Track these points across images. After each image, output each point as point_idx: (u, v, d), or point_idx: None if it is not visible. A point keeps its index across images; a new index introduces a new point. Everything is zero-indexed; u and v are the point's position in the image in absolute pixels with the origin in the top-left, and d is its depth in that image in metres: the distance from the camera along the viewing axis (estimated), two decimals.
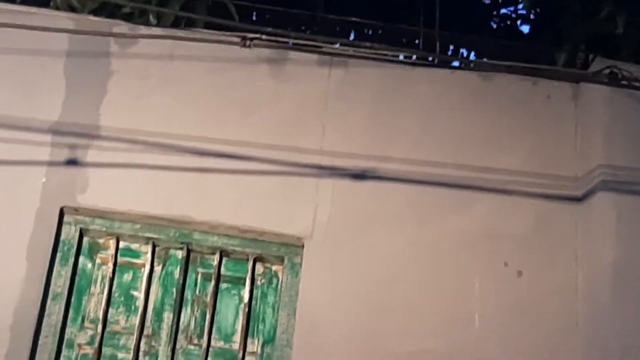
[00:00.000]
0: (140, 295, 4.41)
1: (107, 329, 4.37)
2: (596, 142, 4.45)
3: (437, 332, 4.31)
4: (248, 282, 4.45)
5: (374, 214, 4.46)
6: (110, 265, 4.43)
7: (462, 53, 6.18)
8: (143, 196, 4.38)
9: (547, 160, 4.61)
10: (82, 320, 4.36)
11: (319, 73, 4.65)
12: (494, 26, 6.38)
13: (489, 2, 6.44)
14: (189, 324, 4.39)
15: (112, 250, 4.42)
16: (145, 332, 4.37)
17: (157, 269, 4.47)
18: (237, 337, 4.40)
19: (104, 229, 4.43)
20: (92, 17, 4.75)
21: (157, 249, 4.46)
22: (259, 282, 4.48)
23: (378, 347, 4.28)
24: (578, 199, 4.50)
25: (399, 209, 4.48)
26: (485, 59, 5.56)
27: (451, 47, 6.08)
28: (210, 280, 4.44)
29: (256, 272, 4.49)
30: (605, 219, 4.27)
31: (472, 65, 5.07)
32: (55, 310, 4.29)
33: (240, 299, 4.44)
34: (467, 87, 4.72)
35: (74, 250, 4.39)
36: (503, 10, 6.39)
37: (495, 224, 4.48)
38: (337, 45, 4.82)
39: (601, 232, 4.27)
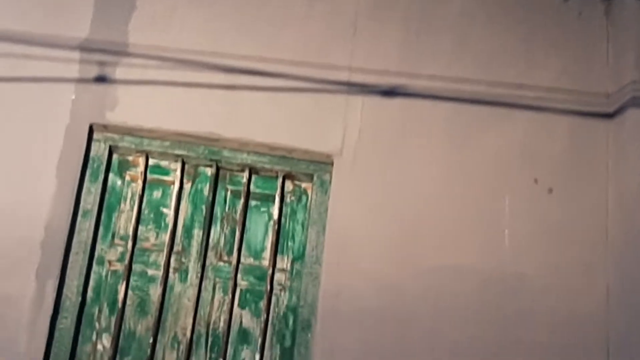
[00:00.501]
0: (169, 212, 4.40)
1: (137, 246, 4.37)
2: (628, 58, 4.40)
3: (468, 249, 4.31)
4: (277, 199, 4.44)
5: (404, 131, 4.44)
6: (140, 182, 4.43)
7: None
8: (172, 113, 4.37)
9: (580, 77, 4.58)
10: (112, 237, 4.36)
11: None
12: None
13: None
14: (218, 241, 4.39)
15: (141, 168, 4.42)
16: (175, 249, 4.36)
17: (187, 186, 4.46)
18: (267, 254, 4.39)
19: (133, 146, 4.42)
20: None
21: (186, 166, 4.45)
22: (288, 200, 4.47)
23: (408, 263, 4.28)
24: (610, 116, 4.46)
25: (430, 126, 4.45)
26: None
27: None
28: (240, 198, 4.43)
29: (285, 189, 4.48)
30: (636, 136, 4.23)
31: None
32: (85, 227, 4.28)
33: (270, 216, 4.43)
34: (499, 4, 4.65)
35: (103, 167, 4.38)
36: None
37: (526, 141, 4.46)
38: None
39: (633, 149, 4.24)
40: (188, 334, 4.24)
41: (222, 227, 4.41)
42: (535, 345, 4.21)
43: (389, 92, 4.45)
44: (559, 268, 4.29)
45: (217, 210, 4.43)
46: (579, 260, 4.30)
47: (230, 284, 4.33)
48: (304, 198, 4.47)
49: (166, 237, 4.36)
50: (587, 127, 4.49)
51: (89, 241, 4.29)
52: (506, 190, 4.40)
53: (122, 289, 4.27)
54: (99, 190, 4.36)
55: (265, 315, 4.29)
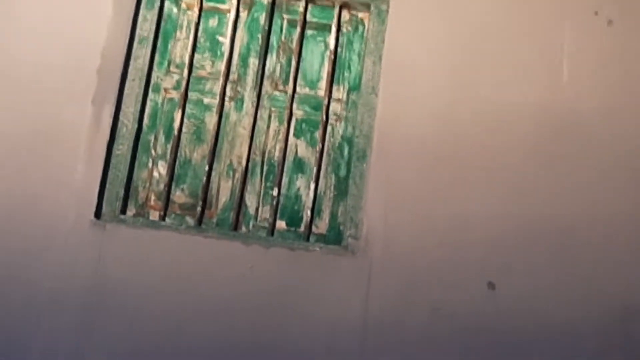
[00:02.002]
0: (225, 40, 4.35)
1: (193, 74, 4.34)
2: None
3: (525, 83, 4.21)
4: (334, 28, 4.35)
5: None
6: (196, 10, 4.37)
7: None
8: None
9: None
10: (168, 65, 4.32)
11: None
12: None
13: None
14: (274, 70, 4.33)
15: None
16: (230, 78, 4.33)
17: (243, 14, 4.39)
18: (323, 84, 4.33)
19: None
20: None
21: None
22: (344, 29, 4.38)
23: (465, 96, 4.20)
24: None
25: None
26: None
27: None
28: (296, 27, 4.36)
29: (342, 18, 4.38)
30: None
31: None
32: (141, 54, 4.26)
33: (326, 45, 4.36)
34: None
35: None
36: None
37: None
38: None
39: None
40: (243, 162, 4.24)
41: (277, 57, 4.35)
42: (588, 185, 4.09)
43: None
44: (617, 107, 4.14)
45: (273, 39, 4.37)
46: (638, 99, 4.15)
47: (286, 113, 4.29)
48: (360, 28, 4.36)
49: (222, 66, 4.31)
50: None
51: (145, 68, 4.26)
52: (566, 22, 4.22)
53: (177, 116, 4.26)
54: (155, 18, 4.31)
55: (320, 145, 4.25)
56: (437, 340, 3.94)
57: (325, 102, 4.29)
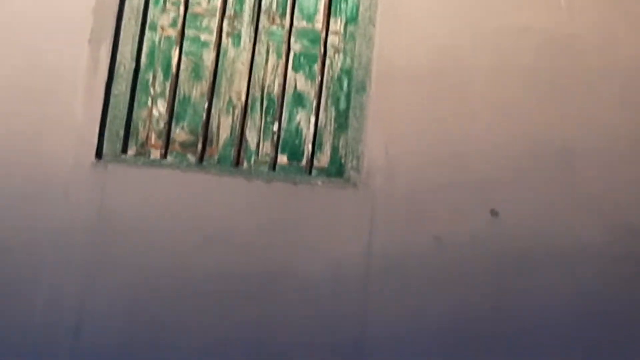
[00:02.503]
0: None
1: (189, 11, 4.31)
2: None
3: (524, 9, 4.19)
4: None
5: None
6: None
7: None
8: None
9: None
10: (164, 2, 4.31)
11: None
12: None
13: None
14: (271, 4, 4.30)
15: None
16: (227, 14, 4.30)
17: None
18: (320, 17, 4.30)
19: None
20: None
21: None
22: None
23: (465, 24, 4.22)
24: None
25: None
26: None
27: None
28: None
29: None
30: None
31: None
32: None
33: None
34: None
35: None
36: None
37: None
38: None
39: None
40: (243, 98, 4.22)
41: None
42: (588, 108, 4.06)
43: None
44: (616, 32, 4.10)
45: None
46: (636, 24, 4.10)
47: (284, 47, 4.25)
48: None
49: (218, 2, 4.26)
50: None
51: (141, 6, 4.25)
52: None
53: (175, 54, 4.24)
54: None
55: (319, 78, 4.23)
56: (441, 268, 3.96)
57: (323, 35, 4.26)
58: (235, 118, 4.21)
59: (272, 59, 4.26)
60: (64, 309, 3.86)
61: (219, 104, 4.21)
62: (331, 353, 3.83)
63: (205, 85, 4.22)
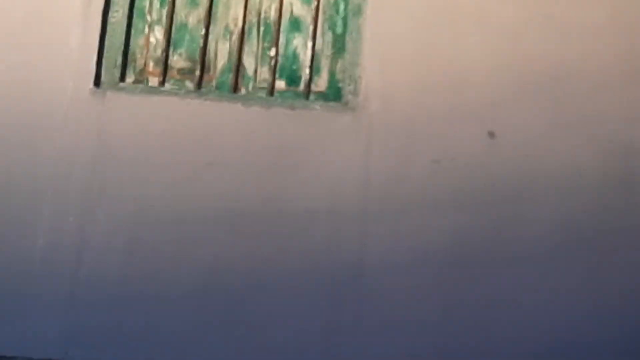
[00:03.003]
0: None
1: None
2: None
3: None
4: None
5: None
6: None
7: None
8: None
9: None
10: None
11: None
12: None
13: None
14: None
15: None
16: None
17: None
18: None
19: None
20: None
21: None
22: None
23: None
24: None
25: None
26: None
27: None
28: None
29: None
30: None
31: None
32: None
33: None
34: None
35: None
36: None
37: None
38: None
39: None
40: (239, 24, 4.21)
41: None
42: (585, 28, 4.07)
43: None
44: None
45: None
46: None
47: None
48: None
49: None
50: None
51: None
52: None
53: None
54: None
55: (315, 2, 4.21)
56: (439, 191, 3.99)
57: None
58: (232, 44, 4.20)
59: None
60: (64, 238, 3.91)
61: (216, 30, 4.20)
62: (330, 279, 3.89)
63: (201, 11, 4.21)
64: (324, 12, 4.20)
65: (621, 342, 3.87)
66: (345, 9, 4.17)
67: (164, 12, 4.20)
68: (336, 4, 4.19)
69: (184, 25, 4.20)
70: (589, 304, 3.91)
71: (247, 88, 4.17)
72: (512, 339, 3.88)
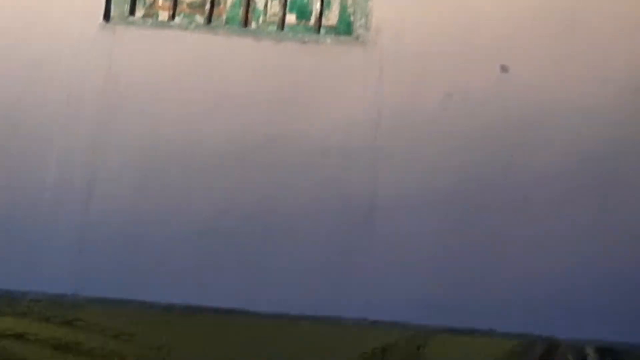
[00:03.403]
0: None
1: None
2: None
3: None
4: None
5: None
6: None
7: None
8: None
9: None
10: None
11: None
12: None
13: None
14: None
15: None
16: None
17: None
18: None
19: None
20: None
21: None
22: None
23: None
24: None
25: None
26: None
27: None
28: None
29: None
30: None
31: None
32: None
33: None
34: None
35: None
36: None
37: None
38: None
39: None
40: None
41: None
42: None
43: None
44: None
45: None
46: None
47: None
48: None
49: None
50: None
51: None
52: None
53: None
54: None
55: None
56: (451, 125, 3.97)
57: None
58: None
59: None
60: (74, 174, 3.91)
61: None
62: (341, 216, 3.86)
63: None
64: None
65: (633, 285, 3.83)
66: None
67: None
68: None
69: None
70: (600, 245, 3.87)
71: (257, 22, 4.12)
72: (522, 278, 3.84)
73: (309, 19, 4.13)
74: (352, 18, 4.09)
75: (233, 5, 4.14)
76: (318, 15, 4.11)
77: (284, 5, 4.12)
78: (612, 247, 3.85)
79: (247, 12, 4.13)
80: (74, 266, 3.81)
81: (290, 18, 4.14)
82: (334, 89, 3.95)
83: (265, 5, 4.14)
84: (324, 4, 4.11)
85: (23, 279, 3.80)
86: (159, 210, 3.88)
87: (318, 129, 3.93)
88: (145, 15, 4.12)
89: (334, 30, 4.10)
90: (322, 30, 4.10)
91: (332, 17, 4.11)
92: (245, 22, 4.13)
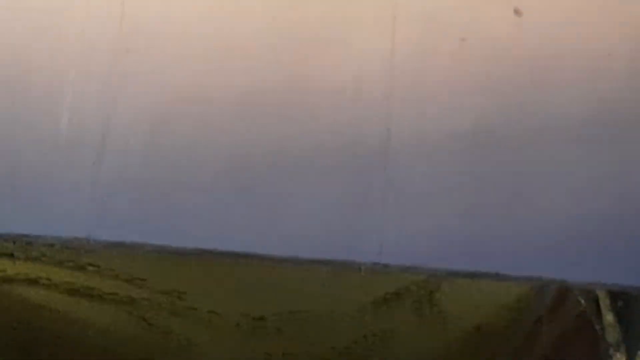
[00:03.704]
0: None
1: None
2: None
3: None
4: None
5: None
6: None
7: None
8: None
9: None
10: None
11: None
12: None
13: None
14: None
15: None
16: None
17: None
18: None
19: None
20: None
21: None
22: None
23: None
24: None
25: None
26: None
27: None
28: None
29: None
30: None
31: None
32: None
33: None
34: None
35: None
36: None
37: None
38: None
39: None
40: None
41: None
42: None
43: None
44: None
45: None
46: None
47: None
48: None
49: None
50: None
51: None
52: None
53: None
54: None
55: None
56: (465, 70, 3.95)
57: None
58: None
59: None
60: (88, 120, 3.91)
61: None
62: (354, 159, 3.85)
63: None
64: None
65: None
66: None
67: None
68: None
69: None
70: (617, 189, 3.86)
71: None
72: (540, 224, 3.84)
73: None
74: None
75: None
76: None
77: None
78: (629, 191, 3.83)
79: None
80: (88, 211, 3.81)
81: None
82: (347, 31, 3.92)
83: None
84: None
85: (36, 224, 3.80)
86: (173, 155, 3.87)
87: (331, 72, 3.90)
88: None
89: None
90: None
91: None
92: None
